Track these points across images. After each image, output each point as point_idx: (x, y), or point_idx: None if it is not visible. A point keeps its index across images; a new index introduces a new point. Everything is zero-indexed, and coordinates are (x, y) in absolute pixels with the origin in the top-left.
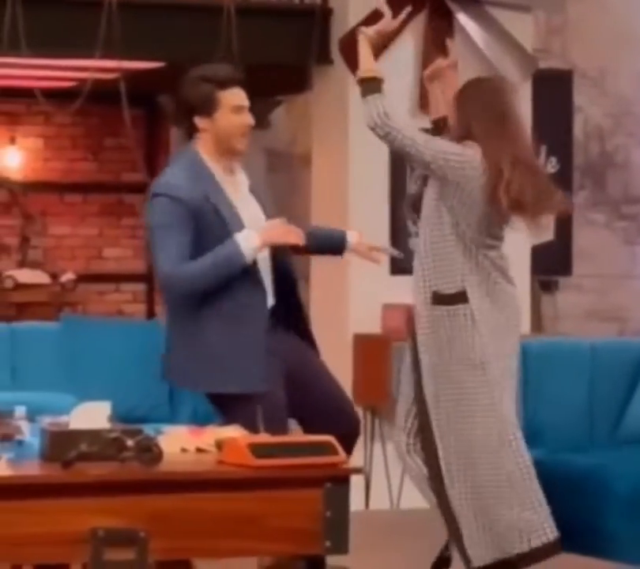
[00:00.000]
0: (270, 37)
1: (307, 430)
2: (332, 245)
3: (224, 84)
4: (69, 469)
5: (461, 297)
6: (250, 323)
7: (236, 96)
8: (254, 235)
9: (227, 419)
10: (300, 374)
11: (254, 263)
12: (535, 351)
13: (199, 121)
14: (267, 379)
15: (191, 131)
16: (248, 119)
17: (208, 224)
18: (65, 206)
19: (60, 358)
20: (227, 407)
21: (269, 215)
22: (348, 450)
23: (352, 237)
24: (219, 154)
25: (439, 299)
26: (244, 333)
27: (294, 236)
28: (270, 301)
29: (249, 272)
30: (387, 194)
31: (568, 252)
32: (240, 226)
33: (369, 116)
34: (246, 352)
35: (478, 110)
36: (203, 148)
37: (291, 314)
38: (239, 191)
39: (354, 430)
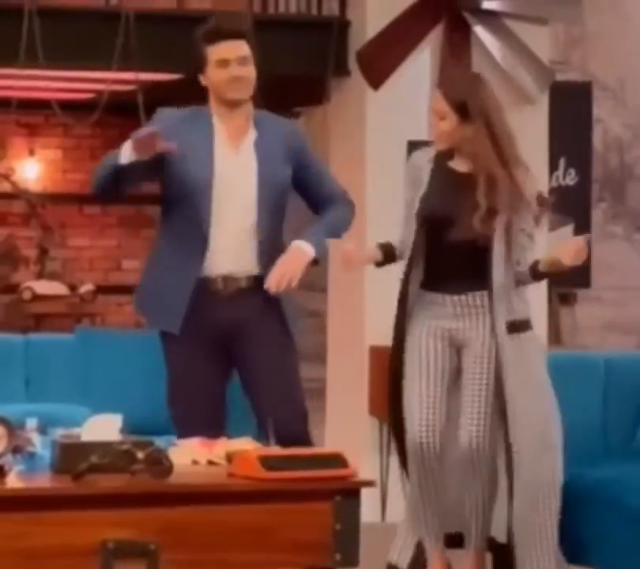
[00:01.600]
0: (288, 49)
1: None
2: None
3: (210, 39)
4: (79, 481)
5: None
6: (182, 263)
7: (220, 50)
8: (127, 143)
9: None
10: (250, 361)
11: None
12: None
13: (201, 79)
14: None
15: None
16: (232, 71)
17: (179, 165)
18: (83, 218)
19: (74, 370)
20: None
21: (276, 168)
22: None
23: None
24: (218, 107)
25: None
26: (173, 270)
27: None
28: (243, 268)
29: (193, 214)
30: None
31: (587, 264)
32: (206, 180)
33: None
34: (166, 289)
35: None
36: (210, 102)
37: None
38: (236, 146)
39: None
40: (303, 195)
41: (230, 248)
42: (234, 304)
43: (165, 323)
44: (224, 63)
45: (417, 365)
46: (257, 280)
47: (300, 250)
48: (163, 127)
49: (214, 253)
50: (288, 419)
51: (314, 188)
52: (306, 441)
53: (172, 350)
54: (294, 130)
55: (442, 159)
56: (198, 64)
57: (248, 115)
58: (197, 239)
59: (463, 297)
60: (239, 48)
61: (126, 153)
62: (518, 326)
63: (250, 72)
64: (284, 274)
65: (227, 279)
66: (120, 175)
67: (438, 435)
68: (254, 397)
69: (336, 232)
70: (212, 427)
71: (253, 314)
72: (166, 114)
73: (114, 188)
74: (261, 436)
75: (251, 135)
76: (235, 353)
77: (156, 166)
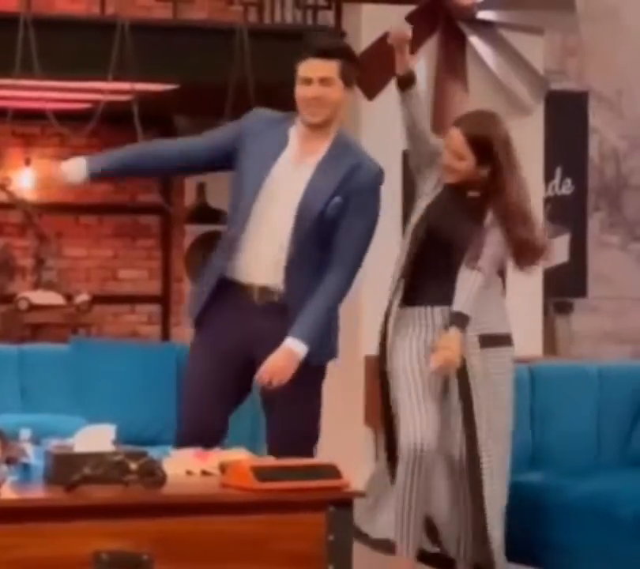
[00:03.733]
0: (283, 59)
1: None
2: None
3: (302, 55)
4: (72, 492)
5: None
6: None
7: (304, 67)
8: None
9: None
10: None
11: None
12: (542, 374)
13: None
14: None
15: None
16: (308, 92)
17: (247, 167)
18: (80, 228)
19: (69, 380)
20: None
21: (321, 193)
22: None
23: (294, 346)
24: (301, 122)
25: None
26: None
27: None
28: (277, 281)
29: (238, 215)
30: (399, 208)
31: (583, 274)
32: (256, 183)
33: None
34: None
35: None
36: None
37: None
38: (302, 159)
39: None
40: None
41: (267, 259)
42: (263, 316)
43: (190, 311)
44: (305, 81)
45: (409, 378)
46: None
47: (291, 352)
48: (244, 125)
49: (254, 263)
50: (296, 447)
51: (334, 238)
52: None
53: (197, 348)
54: (365, 169)
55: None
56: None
57: (328, 138)
58: (232, 239)
59: (445, 308)
60: (325, 67)
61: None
62: (491, 341)
63: (329, 93)
64: (273, 375)
65: (261, 290)
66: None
67: (433, 445)
68: (270, 419)
69: (327, 322)
70: (213, 429)
71: (281, 330)
72: (256, 114)
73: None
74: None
75: (320, 155)
76: (256, 366)
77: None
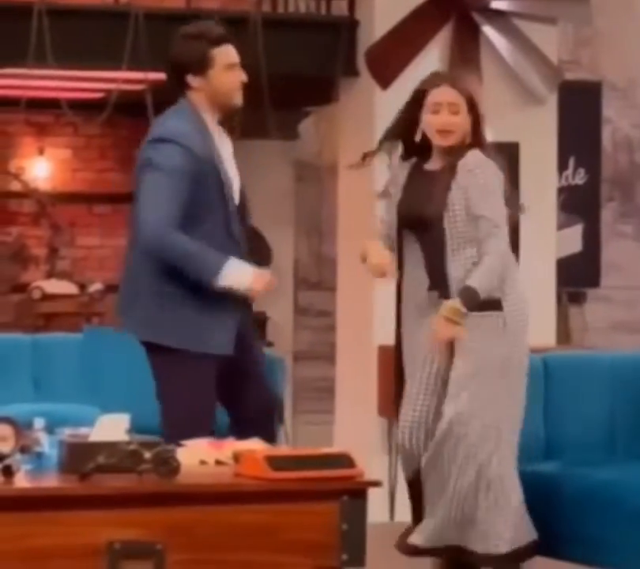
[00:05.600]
0: (297, 49)
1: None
2: None
3: (217, 41)
4: (86, 481)
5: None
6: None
7: (229, 54)
8: (245, 274)
9: (158, 372)
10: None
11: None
12: (555, 364)
13: (192, 79)
14: (229, 344)
15: (182, 90)
16: (242, 76)
17: (208, 181)
18: (93, 217)
19: (82, 369)
20: (170, 363)
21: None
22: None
23: None
24: (214, 112)
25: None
26: (214, 297)
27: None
28: None
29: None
30: None
31: (596, 264)
32: (229, 189)
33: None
34: (212, 314)
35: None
36: (198, 105)
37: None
38: (227, 154)
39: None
40: None
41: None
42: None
43: (217, 346)
44: (233, 67)
45: (411, 366)
46: None
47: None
48: (199, 153)
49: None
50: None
51: None
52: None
53: (192, 366)
54: None
55: (418, 161)
56: (197, 65)
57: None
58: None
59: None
60: (236, 54)
61: (227, 282)
62: (479, 305)
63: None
64: None
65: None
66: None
67: (422, 437)
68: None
69: None
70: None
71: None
72: (179, 135)
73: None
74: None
75: (228, 143)
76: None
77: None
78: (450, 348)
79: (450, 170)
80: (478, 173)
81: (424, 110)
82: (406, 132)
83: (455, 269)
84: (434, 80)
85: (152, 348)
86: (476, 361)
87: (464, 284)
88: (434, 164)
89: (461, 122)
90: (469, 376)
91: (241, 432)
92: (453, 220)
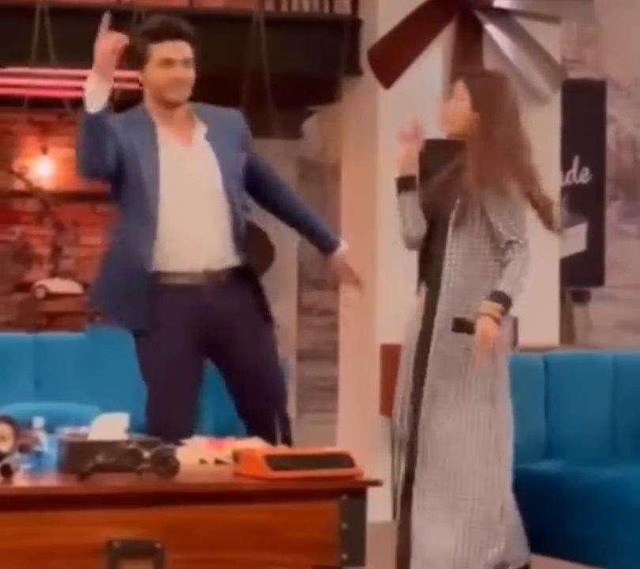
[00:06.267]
0: (300, 48)
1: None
2: (319, 239)
3: (156, 36)
4: (85, 480)
5: None
6: (131, 263)
7: (166, 49)
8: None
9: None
10: (234, 348)
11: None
12: (557, 363)
13: (138, 74)
14: (146, 319)
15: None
16: (176, 73)
17: (126, 166)
18: (97, 216)
19: (84, 368)
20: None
21: (233, 157)
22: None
23: (344, 247)
24: (157, 105)
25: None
26: (125, 273)
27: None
28: (223, 261)
29: (143, 210)
30: None
31: (600, 263)
32: (152, 174)
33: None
34: (126, 290)
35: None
36: (147, 100)
37: (251, 281)
38: (189, 141)
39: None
40: (251, 179)
41: (208, 243)
42: (217, 298)
43: (139, 322)
44: (168, 63)
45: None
46: (236, 271)
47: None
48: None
49: (192, 249)
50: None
51: (264, 173)
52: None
53: (147, 346)
54: (238, 117)
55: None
56: (137, 60)
57: (188, 111)
58: (146, 236)
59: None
60: (184, 49)
61: (92, 93)
62: (468, 326)
63: (191, 74)
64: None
65: (208, 273)
66: (95, 132)
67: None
68: (246, 395)
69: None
70: (188, 425)
71: (237, 307)
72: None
73: (97, 153)
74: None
75: (200, 129)
76: (219, 350)
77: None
78: (423, 358)
79: (462, 167)
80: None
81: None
82: None
83: (449, 263)
84: (459, 71)
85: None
86: (457, 385)
87: (495, 289)
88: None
89: (457, 112)
90: (450, 399)
91: (249, 430)
92: (460, 217)
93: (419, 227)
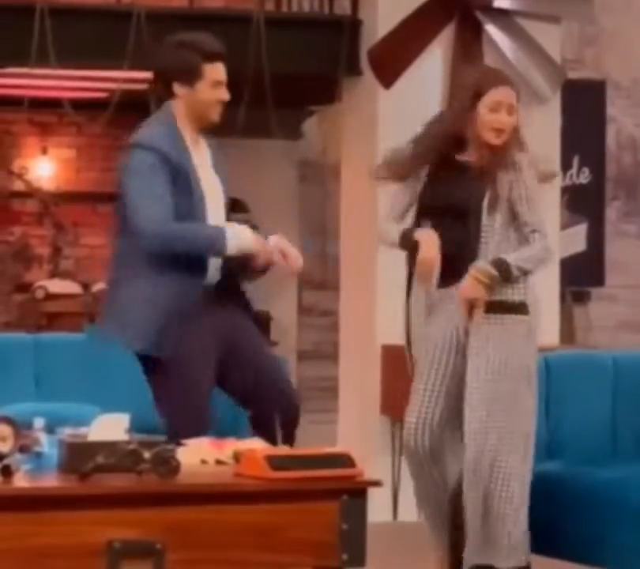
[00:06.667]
0: (299, 48)
1: (248, 410)
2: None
3: (211, 57)
4: (85, 480)
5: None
6: (179, 287)
7: (219, 71)
8: (248, 236)
9: (148, 377)
10: (237, 354)
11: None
12: (557, 363)
13: (178, 88)
14: (173, 344)
15: (166, 96)
16: (225, 95)
17: (179, 186)
18: (97, 216)
19: (84, 369)
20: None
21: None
22: (289, 432)
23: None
24: (191, 122)
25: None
26: (158, 292)
27: (287, 269)
28: (216, 276)
29: None
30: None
31: (601, 263)
32: (201, 196)
33: None
34: (152, 312)
35: None
36: (178, 113)
37: (237, 291)
38: (203, 163)
39: (292, 412)
40: None
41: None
42: (216, 307)
43: (159, 347)
44: (219, 84)
45: (422, 364)
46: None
47: None
48: (160, 157)
49: (211, 264)
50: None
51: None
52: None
53: (171, 368)
54: (220, 150)
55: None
56: (185, 75)
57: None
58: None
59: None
60: (224, 72)
61: (235, 248)
62: (498, 307)
63: None
64: None
65: (211, 285)
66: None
67: (428, 434)
68: (246, 378)
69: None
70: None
71: (231, 309)
72: (151, 140)
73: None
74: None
75: (208, 154)
76: (226, 354)
77: None
78: (463, 349)
79: (493, 165)
80: (526, 175)
81: (481, 105)
82: (459, 126)
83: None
84: (494, 77)
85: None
86: (499, 367)
87: (499, 256)
88: (469, 157)
89: (515, 123)
90: (491, 382)
91: (261, 432)
92: (491, 213)
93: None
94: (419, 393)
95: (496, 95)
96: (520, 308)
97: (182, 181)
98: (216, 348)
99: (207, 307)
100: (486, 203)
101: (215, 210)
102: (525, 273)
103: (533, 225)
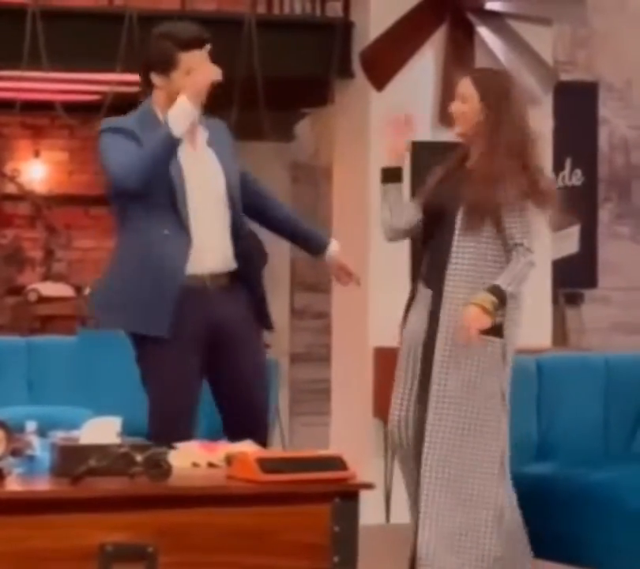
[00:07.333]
0: (291, 50)
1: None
2: (310, 241)
3: (187, 45)
4: (78, 484)
5: None
6: (164, 267)
7: (196, 59)
8: (182, 102)
9: (138, 360)
10: (225, 354)
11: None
12: (550, 365)
13: (155, 78)
14: (168, 326)
15: (148, 87)
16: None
17: None
18: (89, 219)
19: (77, 372)
20: (136, 346)
21: (232, 164)
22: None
23: (334, 246)
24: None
25: None
26: (155, 275)
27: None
28: (225, 265)
29: (175, 218)
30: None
31: (593, 265)
32: (178, 180)
33: None
34: (152, 294)
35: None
36: (157, 103)
37: (251, 287)
38: (193, 146)
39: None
40: (244, 192)
41: (214, 246)
42: (219, 301)
43: (153, 327)
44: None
45: (402, 358)
46: (237, 276)
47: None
48: (126, 132)
49: (199, 251)
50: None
51: (251, 181)
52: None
53: (157, 353)
54: (225, 126)
55: (460, 157)
56: (160, 65)
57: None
58: (180, 240)
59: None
60: (207, 59)
61: (183, 117)
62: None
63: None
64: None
65: (212, 276)
66: (169, 155)
67: (411, 428)
68: (229, 400)
69: None
70: (191, 429)
71: (234, 312)
72: (119, 122)
73: (157, 174)
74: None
75: (203, 134)
76: (217, 353)
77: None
78: (430, 355)
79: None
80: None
81: None
82: None
83: (454, 266)
84: (463, 72)
85: (127, 334)
86: (467, 386)
87: (493, 283)
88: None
89: (467, 111)
90: (455, 399)
91: (230, 435)
92: (466, 219)
93: (402, 220)
94: (399, 388)
95: (458, 86)
96: (495, 330)
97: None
98: (206, 340)
99: (211, 297)
100: (460, 214)
101: (204, 192)
102: (514, 295)
103: (516, 238)
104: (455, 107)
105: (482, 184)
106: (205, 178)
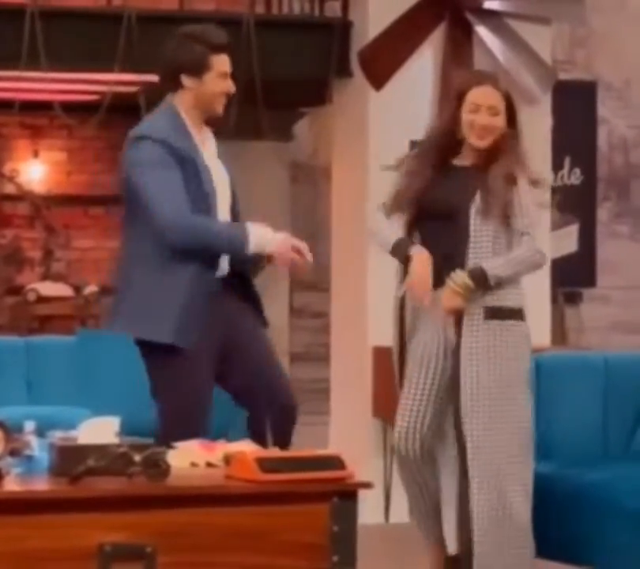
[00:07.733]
0: (290, 50)
1: (245, 409)
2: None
3: (218, 48)
4: (76, 484)
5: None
6: (200, 279)
7: (225, 63)
8: (269, 237)
9: (150, 370)
10: (238, 352)
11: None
12: (549, 364)
13: (186, 80)
14: (192, 336)
15: (173, 88)
16: (231, 87)
17: (186, 177)
18: (88, 219)
19: (76, 372)
20: (150, 356)
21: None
22: (286, 432)
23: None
24: (197, 113)
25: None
26: (179, 283)
27: (300, 268)
28: (224, 268)
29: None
30: None
31: (592, 264)
32: (210, 186)
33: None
34: (176, 303)
35: None
36: (182, 105)
37: (244, 284)
38: (210, 154)
39: (289, 413)
40: None
41: None
42: (225, 301)
43: (183, 338)
44: (226, 76)
45: (415, 366)
46: (233, 276)
47: None
48: (177, 147)
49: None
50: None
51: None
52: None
53: (176, 364)
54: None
55: (445, 156)
56: (194, 67)
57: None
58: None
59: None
60: (230, 64)
61: (255, 248)
62: (498, 313)
63: None
64: None
65: (222, 279)
66: (221, 253)
67: (418, 439)
68: (247, 378)
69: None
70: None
71: (237, 309)
72: (152, 130)
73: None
74: (249, 433)
75: (213, 141)
76: (226, 350)
77: None
78: (453, 353)
79: (482, 168)
80: (520, 180)
81: (463, 108)
82: (448, 130)
83: (474, 262)
84: (475, 78)
85: (138, 344)
86: (501, 372)
87: (478, 266)
88: (464, 160)
89: (500, 124)
90: (492, 388)
91: (254, 433)
92: (480, 217)
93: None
94: (409, 398)
95: (474, 95)
96: (518, 314)
97: (188, 172)
98: (218, 345)
99: (214, 301)
100: (475, 207)
101: (223, 201)
102: (505, 278)
103: (524, 229)
104: (487, 120)
105: (504, 188)
106: (223, 186)
